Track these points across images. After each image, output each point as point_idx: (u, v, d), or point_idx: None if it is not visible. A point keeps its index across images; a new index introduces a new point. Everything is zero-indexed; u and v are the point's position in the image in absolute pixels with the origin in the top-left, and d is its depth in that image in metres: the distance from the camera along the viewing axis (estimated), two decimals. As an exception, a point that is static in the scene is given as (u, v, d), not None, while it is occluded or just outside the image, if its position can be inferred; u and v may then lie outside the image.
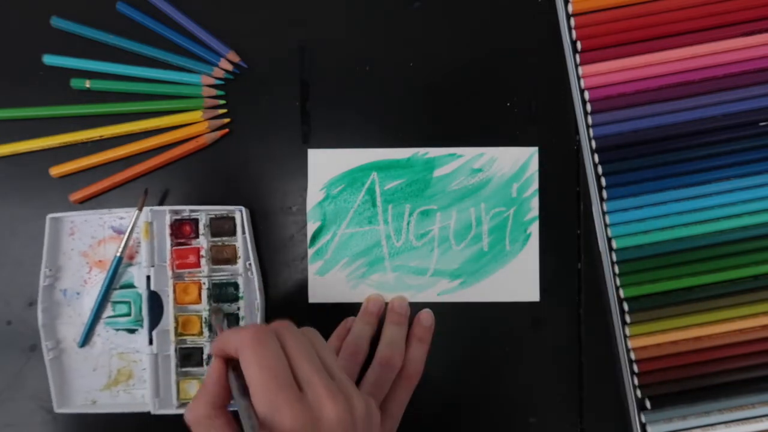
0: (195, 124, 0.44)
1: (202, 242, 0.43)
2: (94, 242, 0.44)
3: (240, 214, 0.42)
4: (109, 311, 0.44)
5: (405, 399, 0.40)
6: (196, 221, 0.43)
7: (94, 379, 0.44)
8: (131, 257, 0.44)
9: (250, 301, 0.43)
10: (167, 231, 0.43)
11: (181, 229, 0.43)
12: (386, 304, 0.44)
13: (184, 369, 0.43)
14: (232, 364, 0.31)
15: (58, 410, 0.42)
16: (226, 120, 0.44)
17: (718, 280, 0.42)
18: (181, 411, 0.42)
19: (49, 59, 0.44)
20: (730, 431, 0.41)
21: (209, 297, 0.43)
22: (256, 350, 0.28)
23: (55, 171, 0.44)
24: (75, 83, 0.44)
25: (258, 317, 0.43)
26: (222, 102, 0.44)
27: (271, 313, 0.44)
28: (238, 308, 0.43)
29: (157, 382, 0.42)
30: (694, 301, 0.42)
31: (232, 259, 0.43)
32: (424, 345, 0.43)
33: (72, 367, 0.44)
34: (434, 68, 0.45)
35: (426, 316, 0.44)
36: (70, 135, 0.44)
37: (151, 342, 0.42)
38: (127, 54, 0.44)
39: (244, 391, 0.29)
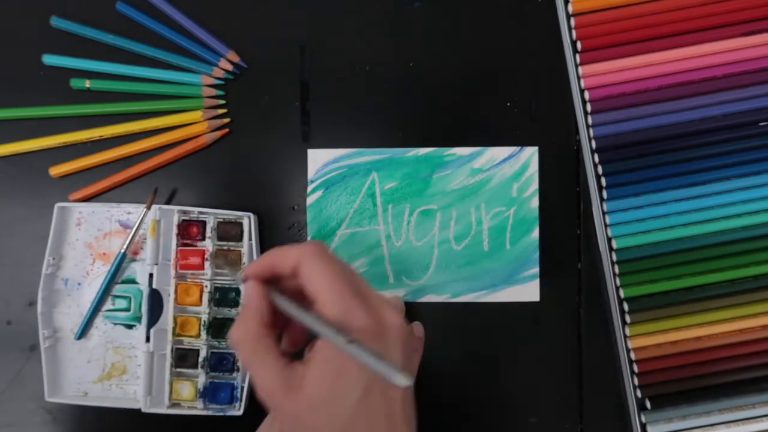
0: (195, 124, 0.44)
1: (208, 245, 0.43)
2: (100, 234, 0.44)
3: (248, 221, 0.42)
4: (108, 305, 0.44)
5: None
6: (203, 223, 0.43)
7: (87, 370, 0.44)
8: (135, 253, 0.44)
9: (250, 305, 0.43)
10: (174, 231, 0.43)
11: (188, 230, 0.43)
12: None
13: (178, 369, 0.43)
14: (273, 286, 0.31)
15: (48, 399, 0.42)
16: (226, 120, 0.44)
17: (718, 280, 0.42)
18: (171, 411, 0.42)
19: (49, 59, 0.44)
20: (730, 431, 0.41)
21: (210, 300, 0.43)
22: (326, 259, 0.30)
23: (55, 171, 0.44)
24: (75, 83, 0.44)
25: None
26: (222, 102, 0.44)
27: (271, 313, 0.44)
28: (238, 313, 0.43)
29: (151, 380, 0.42)
30: (694, 301, 0.42)
31: (236, 265, 0.43)
32: (417, 355, 0.42)
33: (67, 357, 0.44)
34: (434, 68, 0.45)
35: (418, 328, 0.43)
36: (70, 135, 0.44)
37: (148, 339, 0.42)
38: (127, 54, 0.44)
39: (302, 306, 0.30)
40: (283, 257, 0.31)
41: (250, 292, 0.31)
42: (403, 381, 0.26)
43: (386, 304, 0.31)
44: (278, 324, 0.31)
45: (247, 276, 0.32)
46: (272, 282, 0.32)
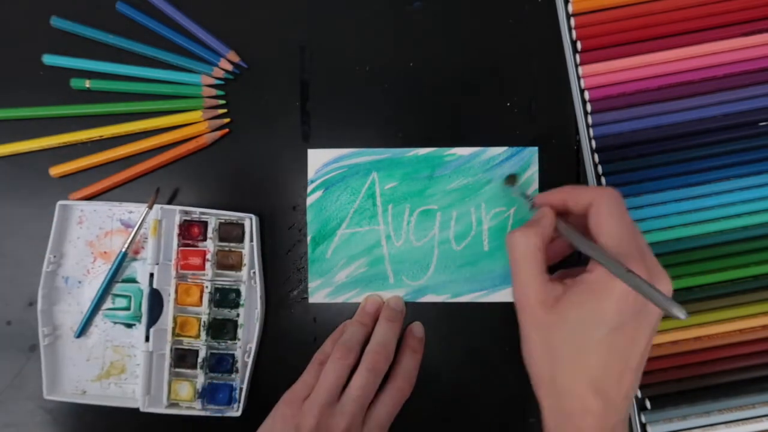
0: (195, 124, 0.44)
1: (209, 246, 0.42)
2: (101, 233, 0.44)
3: (250, 222, 0.42)
4: (108, 303, 0.44)
5: (394, 409, 0.40)
6: (205, 224, 0.43)
7: (86, 369, 0.44)
8: (136, 252, 0.44)
9: (250, 309, 0.43)
10: (175, 231, 0.43)
11: (190, 231, 0.43)
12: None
13: (177, 369, 0.43)
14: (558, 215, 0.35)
15: (47, 396, 0.42)
16: (226, 120, 0.44)
17: (718, 280, 0.42)
18: (169, 411, 0.42)
19: (49, 59, 0.44)
20: (730, 431, 0.41)
21: (210, 301, 0.43)
22: (621, 208, 0.33)
23: (55, 171, 0.44)
24: (75, 83, 0.44)
25: (257, 327, 0.43)
26: (222, 102, 0.44)
27: (271, 313, 0.44)
28: (238, 315, 0.43)
29: (150, 380, 0.42)
30: (694, 301, 0.42)
31: (236, 266, 0.43)
32: (417, 356, 0.43)
33: (66, 355, 0.44)
34: (434, 68, 0.45)
35: (418, 328, 0.44)
36: (70, 135, 0.44)
37: (147, 339, 0.42)
38: (127, 54, 0.44)
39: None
40: (578, 194, 0.34)
41: (544, 212, 0.35)
42: (682, 314, 0.29)
43: (659, 269, 0.32)
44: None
45: (537, 203, 0.37)
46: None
